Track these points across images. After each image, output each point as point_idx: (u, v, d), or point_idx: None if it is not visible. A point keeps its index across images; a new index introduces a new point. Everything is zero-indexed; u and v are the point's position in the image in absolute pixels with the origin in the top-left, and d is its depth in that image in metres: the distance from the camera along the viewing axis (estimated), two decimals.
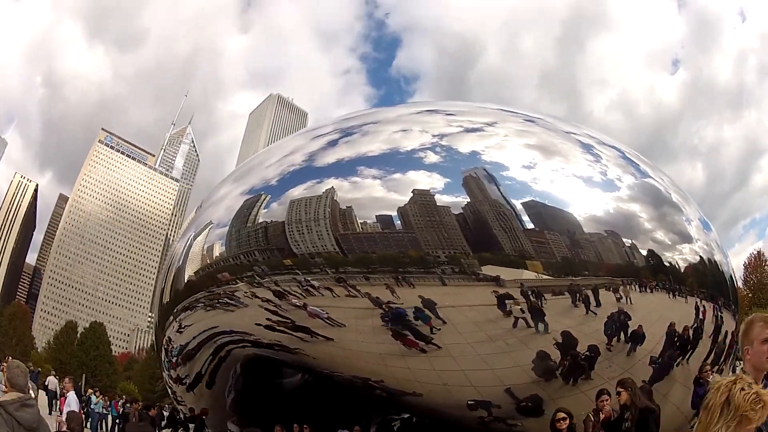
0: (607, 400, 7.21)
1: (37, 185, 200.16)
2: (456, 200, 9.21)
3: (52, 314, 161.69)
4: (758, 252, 42.67)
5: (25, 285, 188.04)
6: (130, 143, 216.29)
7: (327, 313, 8.98)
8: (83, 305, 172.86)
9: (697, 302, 9.85)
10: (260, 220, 9.89)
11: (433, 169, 9.54)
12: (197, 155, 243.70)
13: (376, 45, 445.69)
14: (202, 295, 10.63)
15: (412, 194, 9.16)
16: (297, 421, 11.97)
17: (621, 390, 6.99)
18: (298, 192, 9.76)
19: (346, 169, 9.85)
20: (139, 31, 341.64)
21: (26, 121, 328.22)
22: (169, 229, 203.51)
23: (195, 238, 11.11)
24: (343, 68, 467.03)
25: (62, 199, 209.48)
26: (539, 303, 8.58)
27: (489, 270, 8.76)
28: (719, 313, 10.33)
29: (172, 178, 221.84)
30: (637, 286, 9.44)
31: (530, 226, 9.28)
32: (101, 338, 67.34)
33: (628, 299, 9.18)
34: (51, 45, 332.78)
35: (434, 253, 8.82)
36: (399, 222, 9.05)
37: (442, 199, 9.14)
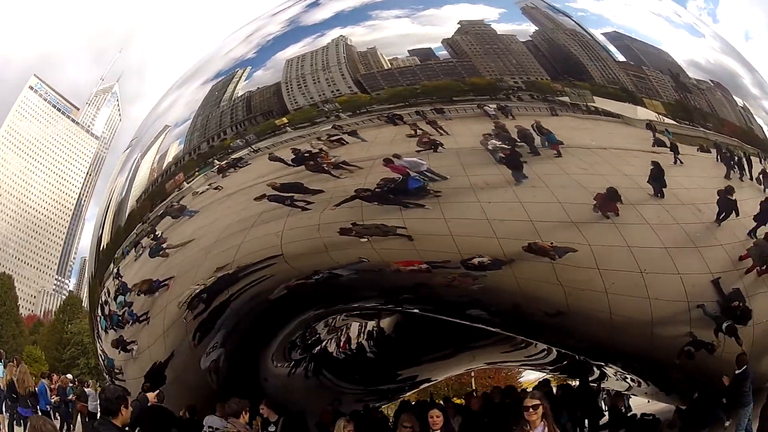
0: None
1: None
2: (520, 28, 6.59)
3: None
4: None
5: None
6: (58, 93, 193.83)
7: (426, 164, 5.87)
8: None
9: None
10: (240, 94, 6.81)
11: (477, 1, 6.97)
12: (119, 116, 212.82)
13: None
14: (150, 219, 7.06)
15: (459, 25, 6.47)
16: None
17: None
18: (291, 51, 6.90)
19: (352, 17, 7.19)
20: None
21: None
22: (82, 190, 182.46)
23: (143, 157, 7.72)
24: None
25: None
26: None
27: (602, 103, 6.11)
28: None
29: (92, 134, 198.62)
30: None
31: (621, 58, 6.69)
32: (9, 293, 51.87)
33: None
34: None
35: (508, 80, 5.98)
36: (446, 52, 6.23)
37: (501, 28, 6.52)
